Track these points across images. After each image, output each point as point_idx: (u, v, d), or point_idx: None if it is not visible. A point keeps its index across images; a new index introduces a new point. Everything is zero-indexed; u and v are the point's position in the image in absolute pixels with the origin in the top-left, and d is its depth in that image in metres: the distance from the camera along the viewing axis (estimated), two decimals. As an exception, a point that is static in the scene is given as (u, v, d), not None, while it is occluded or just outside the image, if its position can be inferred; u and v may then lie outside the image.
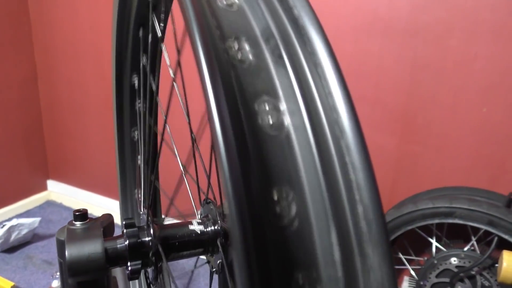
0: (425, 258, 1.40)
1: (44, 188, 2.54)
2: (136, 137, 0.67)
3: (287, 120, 0.25)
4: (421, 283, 1.37)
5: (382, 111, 1.48)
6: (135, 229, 0.45)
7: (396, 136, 1.48)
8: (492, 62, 1.29)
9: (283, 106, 0.25)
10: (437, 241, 1.39)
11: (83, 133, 2.32)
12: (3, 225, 1.95)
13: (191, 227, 0.46)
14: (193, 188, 0.53)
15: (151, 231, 0.45)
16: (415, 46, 1.39)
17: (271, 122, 0.25)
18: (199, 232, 0.47)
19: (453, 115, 1.38)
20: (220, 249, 0.47)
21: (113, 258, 0.43)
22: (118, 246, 0.44)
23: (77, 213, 0.45)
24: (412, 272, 1.45)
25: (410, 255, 1.48)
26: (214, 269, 0.47)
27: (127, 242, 0.44)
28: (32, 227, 2.05)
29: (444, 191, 1.39)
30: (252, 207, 0.22)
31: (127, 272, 0.45)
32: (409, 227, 1.30)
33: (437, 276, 1.34)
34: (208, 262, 0.49)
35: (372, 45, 1.45)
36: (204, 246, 0.47)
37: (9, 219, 2.22)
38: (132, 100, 0.65)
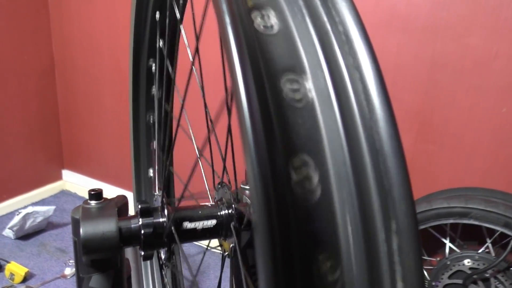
0: (438, 259, 1.38)
1: (59, 177, 2.58)
2: (152, 121, 0.68)
3: (312, 93, 0.25)
4: (433, 283, 1.35)
5: (399, 109, 1.46)
6: (150, 210, 0.45)
7: (412, 135, 1.47)
8: (513, 61, 1.27)
9: (308, 79, 0.25)
10: (450, 242, 1.37)
11: (98, 125, 2.35)
12: (19, 213, 1.99)
13: (205, 209, 0.46)
14: (208, 172, 0.53)
15: (165, 212, 0.45)
16: (434, 44, 1.37)
17: (295, 95, 0.25)
18: (213, 215, 0.47)
19: (471, 114, 1.36)
20: (234, 233, 0.46)
21: (126, 238, 0.43)
22: (132, 226, 0.44)
23: (92, 192, 0.46)
24: (425, 273, 1.43)
25: (423, 255, 1.46)
26: (226, 253, 0.47)
27: (141, 222, 0.44)
28: (47, 215, 2.08)
29: (460, 192, 1.36)
30: (274, 176, 0.21)
31: (141, 253, 0.45)
32: (423, 227, 1.29)
33: (449, 277, 1.32)
34: (221, 245, 0.49)
35: (390, 42, 1.43)
36: (217, 229, 0.47)
37: (25, 207, 2.26)
38: (148, 84, 0.65)
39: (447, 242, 1.36)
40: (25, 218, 1.99)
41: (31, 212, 2.01)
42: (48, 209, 2.08)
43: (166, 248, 0.45)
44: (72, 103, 2.41)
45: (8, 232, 2.01)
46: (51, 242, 2.03)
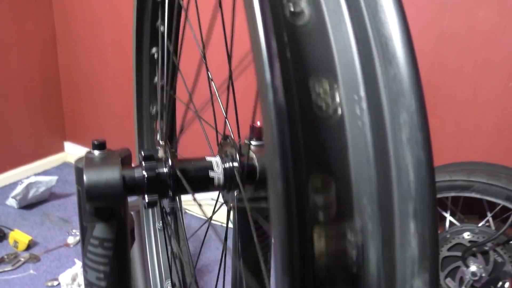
0: (438, 232, 1.39)
1: (61, 149, 2.59)
2: (156, 56, 0.66)
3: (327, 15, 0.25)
4: (432, 256, 1.36)
5: (403, 82, 1.45)
6: (153, 157, 0.45)
7: (416, 108, 1.45)
8: (522, 34, 1.25)
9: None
10: (451, 215, 1.37)
11: (100, 96, 2.34)
12: (22, 182, 2.00)
13: (209, 160, 0.46)
14: (212, 127, 0.52)
15: (169, 162, 0.45)
16: (442, 17, 1.35)
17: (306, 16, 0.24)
18: (217, 166, 0.47)
19: (477, 89, 1.35)
20: (239, 182, 0.46)
21: (130, 186, 0.43)
22: (136, 174, 0.44)
23: (95, 142, 0.45)
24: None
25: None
26: (231, 205, 0.47)
27: (144, 172, 0.44)
28: (50, 186, 2.09)
29: (462, 166, 1.36)
30: (288, 96, 0.21)
31: (144, 201, 0.45)
32: (424, 200, 1.29)
33: (448, 250, 1.33)
34: (226, 202, 0.49)
35: (397, 14, 1.40)
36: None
37: (27, 178, 2.27)
38: (152, 43, 0.64)
39: (447, 215, 1.37)
40: (28, 187, 2.00)
41: (34, 182, 2.02)
42: (51, 179, 2.09)
43: (168, 198, 0.45)
44: (74, 75, 2.40)
45: (11, 201, 2.03)
46: (54, 212, 2.05)
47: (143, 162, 0.44)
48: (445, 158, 1.44)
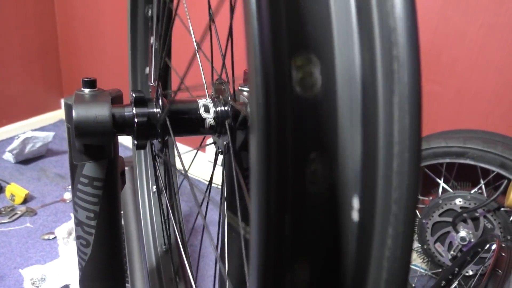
0: (431, 198, 1.40)
1: (58, 106, 2.57)
2: (150, 14, 0.65)
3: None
4: (424, 221, 1.38)
5: (406, 46, 1.42)
6: (144, 100, 0.44)
7: (417, 73, 1.43)
8: (530, -2, 1.21)
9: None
10: (445, 182, 1.38)
11: (98, 53, 2.30)
12: (18, 137, 2.00)
13: (200, 103, 0.45)
14: (207, 68, 0.51)
15: (160, 102, 0.44)
16: (449, -22, 1.31)
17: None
18: (208, 110, 0.46)
19: (480, 54, 1.32)
20: (228, 131, 0.46)
21: (120, 124, 0.43)
22: (126, 113, 0.43)
23: (86, 79, 0.45)
24: (416, 211, 1.46)
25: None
26: (220, 150, 0.47)
27: (135, 112, 0.44)
28: (46, 141, 2.09)
29: (459, 133, 1.36)
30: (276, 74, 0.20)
31: (134, 142, 0.45)
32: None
33: (440, 215, 1.34)
34: (215, 143, 0.49)
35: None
36: (212, 125, 0.46)
37: (24, 133, 2.27)
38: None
39: (441, 182, 1.38)
40: (24, 142, 2.00)
41: (31, 137, 2.01)
42: (48, 135, 2.09)
43: (159, 140, 0.44)
44: (71, 30, 2.35)
45: (8, 156, 2.03)
46: (50, 168, 2.06)
47: (133, 101, 0.43)
48: (444, 125, 1.44)
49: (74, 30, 2.33)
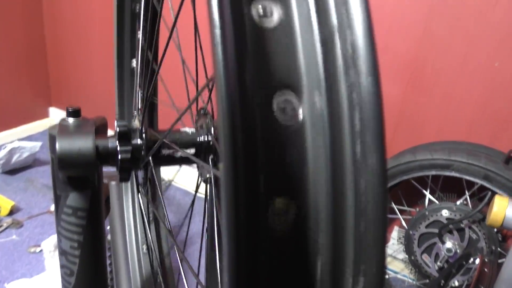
0: (417, 210, 1.42)
1: (46, 115, 2.55)
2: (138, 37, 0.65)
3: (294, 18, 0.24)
4: (410, 232, 1.40)
5: (392, 57, 1.44)
6: (128, 133, 0.45)
7: (403, 84, 1.45)
8: (512, 13, 1.24)
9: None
10: (431, 193, 1.40)
11: (87, 62, 2.29)
12: (5, 147, 1.97)
13: (184, 136, 0.46)
14: (192, 95, 0.52)
15: (143, 133, 0.44)
16: (434, -10, 1.33)
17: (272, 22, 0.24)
18: (192, 142, 0.47)
19: (463, 66, 1.35)
20: (211, 165, 0.46)
21: (103, 156, 0.43)
22: (110, 145, 0.43)
23: (70, 110, 0.45)
24: (403, 222, 1.47)
25: (403, 206, 1.50)
26: (202, 179, 0.47)
27: (119, 148, 0.44)
28: (33, 151, 2.07)
29: (444, 145, 1.38)
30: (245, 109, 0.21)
31: (118, 173, 0.45)
32: (406, 177, 1.31)
33: (426, 227, 1.36)
34: (198, 168, 0.49)
35: (389, -11, 1.39)
36: (195, 156, 0.46)
37: (11, 142, 2.24)
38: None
39: (427, 193, 1.39)
40: (11, 152, 1.97)
41: (17, 147, 1.99)
42: (35, 145, 2.06)
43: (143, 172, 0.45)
44: (59, 37, 2.33)
45: (-6, 166, 2.01)
46: (38, 178, 2.04)
47: (117, 132, 0.43)
48: (429, 136, 1.46)
49: (63, 37, 2.32)
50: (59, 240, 0.48)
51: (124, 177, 0.44)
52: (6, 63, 2.21)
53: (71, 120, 0.44)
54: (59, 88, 2.48)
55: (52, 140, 0.43)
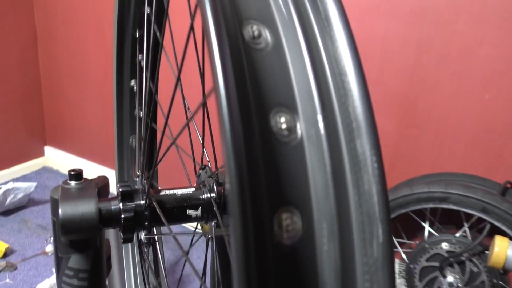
0: (417, 242, 1.41)
1: (41, 154, 2.54)
2: (135, 89, 0.66)
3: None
4: (411, 266, 1.38)
5: (384, 93, 1.47)
6: (131, 193, 0.45)
7: (396, 120, 1.48)
8: (498, 49, 1.28)
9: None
10: (430, 226, 1.40)
11: (82, 101, 2.30)
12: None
13: (186, 192, 0.46)
14: (189, 158, 0.52)
15: (146, 194, 0.44)
16: (421, 29, 1.37)
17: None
18: (195, 201, 0.47)
19: (455, 101, 1.37)
20: (215, 220, 0.46)
21: (106, 219, 0.43)
22: (113, 207, 0.44)
23: (72, 173, 0.45)
24: (403, 255, 1.46)
25: (402, 238, 1.49)
26: (209, 236, 0.47)
27: (121, 207, 0.44)
28: (28, 192, 2.05)
29: (440, 177, 1.39)
30: (248, 139, 0.22)
31: (121, 235, 0.45)
32: (404, 211, 1.31)
33: (427, 260, 1.35)
34: (202, 226, 0.49)
35: (378, 26, 1.43)
36: (199, 214, 0.46)
37: (6, 183, 2.22)
38: (133, 53, 0.64)
39: (426, 226, 1.39)
40: (5, 193, 1.96)
41: (12, 188, 1.98)
42: (29, 186, 2.05)
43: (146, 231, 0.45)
44: (55, 78, 2.36)
45: (-12, 208, 1.98)
46: (32, 218, 2.01)
47: (119, 195, 0.44)
48: (425, 168, 1.47)
49: (58, 77, 2.34)
50: (60, 303, 0.47)
51: (127, 238, 0.44)
52: (1, 103, 2.22)
53: (73, 183, 0.45)
54: (55, 127, 2.48)
55: (55, 204, 0.43)
